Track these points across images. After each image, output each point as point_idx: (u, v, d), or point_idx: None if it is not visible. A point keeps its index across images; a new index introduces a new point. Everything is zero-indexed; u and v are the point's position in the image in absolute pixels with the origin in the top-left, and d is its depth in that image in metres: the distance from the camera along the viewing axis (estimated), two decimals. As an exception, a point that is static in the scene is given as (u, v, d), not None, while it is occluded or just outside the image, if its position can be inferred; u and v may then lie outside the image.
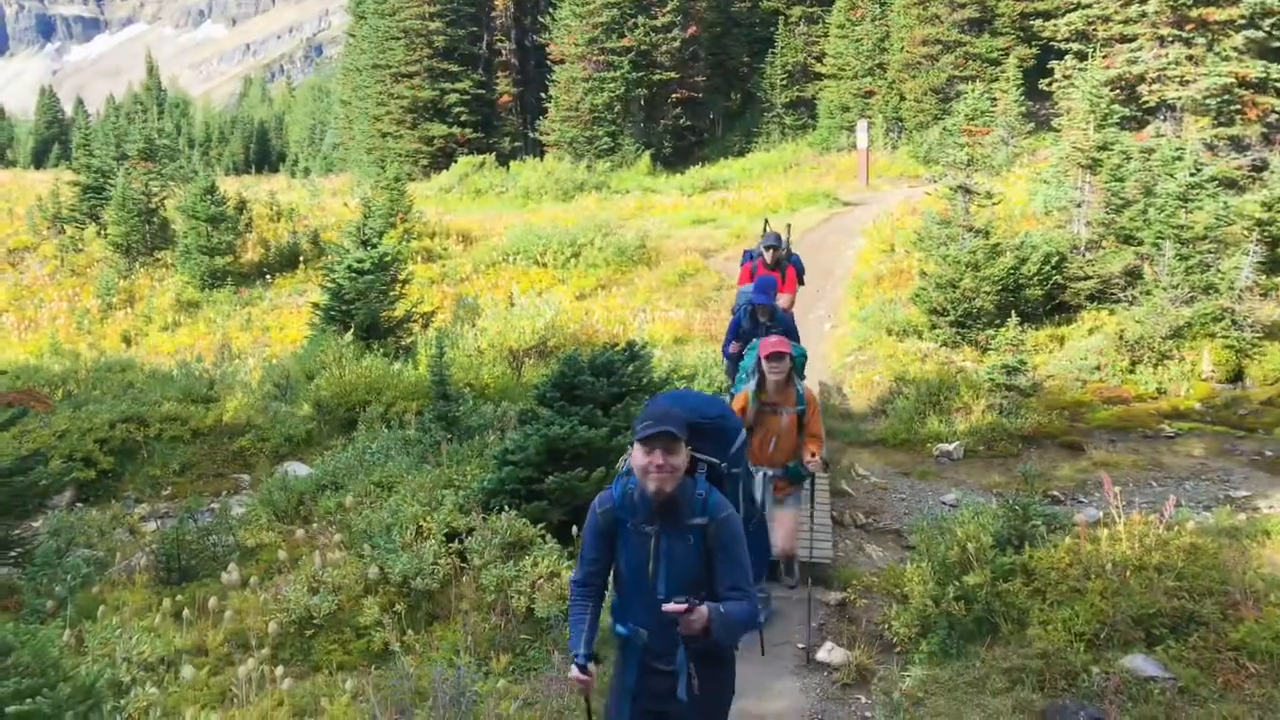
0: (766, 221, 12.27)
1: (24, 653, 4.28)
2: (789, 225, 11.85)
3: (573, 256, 21.62)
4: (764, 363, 6.49)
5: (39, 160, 58.37)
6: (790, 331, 8.38)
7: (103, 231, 24.41)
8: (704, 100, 41.49)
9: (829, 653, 6.50)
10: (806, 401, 6.63)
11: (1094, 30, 27.03)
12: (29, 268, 24.21)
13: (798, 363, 6.91)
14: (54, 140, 64.17)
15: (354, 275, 15.15)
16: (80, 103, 70.58)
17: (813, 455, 6.57)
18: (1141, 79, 25.40)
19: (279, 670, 5.77)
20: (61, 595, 7.05)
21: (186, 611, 6.63)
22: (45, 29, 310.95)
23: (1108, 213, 15.63)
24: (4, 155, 57.98)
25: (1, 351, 18.33)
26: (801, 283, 10.38)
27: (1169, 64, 24.58)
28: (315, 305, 16.00)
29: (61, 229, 25.34)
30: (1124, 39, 26.23)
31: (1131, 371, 13.33)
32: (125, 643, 5.94)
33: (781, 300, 9.50)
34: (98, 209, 25.16)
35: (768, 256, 9.94)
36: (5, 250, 24.75)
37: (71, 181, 26.39)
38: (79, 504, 10.85)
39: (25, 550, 7.96)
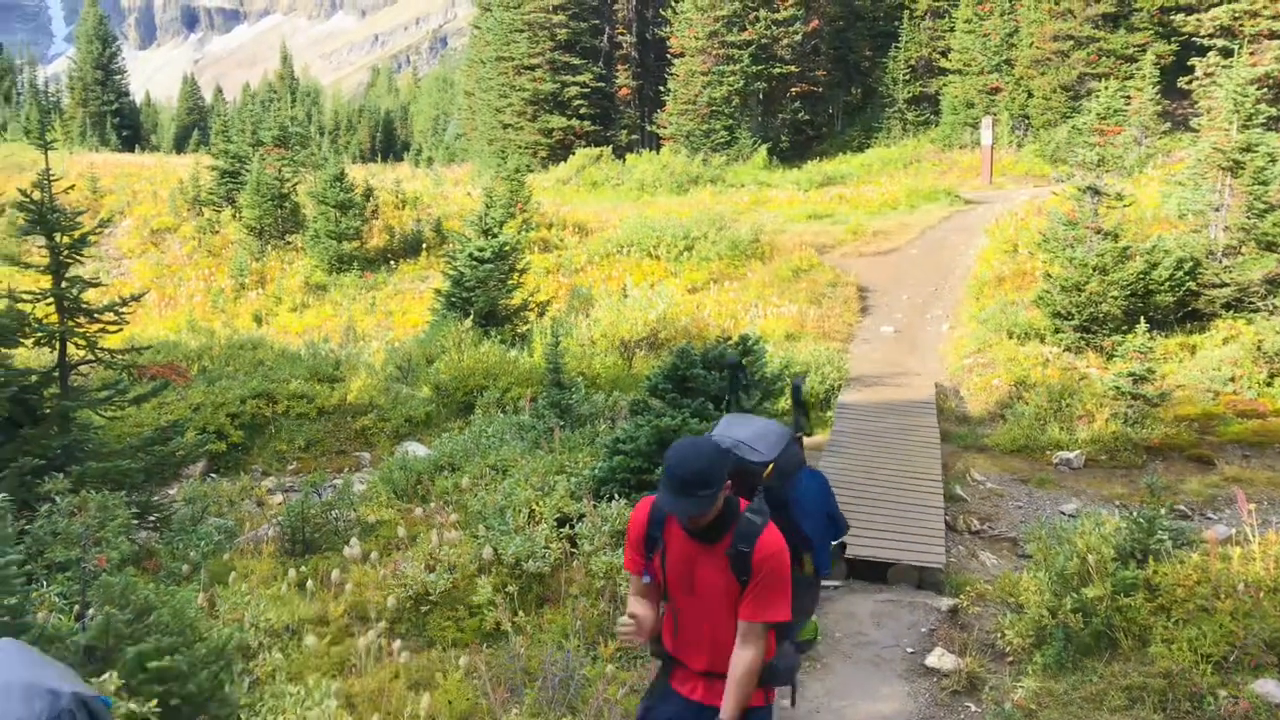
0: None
1: (164, 612, 4.53)
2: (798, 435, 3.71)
3: (686, 250, 21.64)
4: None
5: (180, 145, 61.00)
6: None
7: (238, 215, 25.54)
8: (824, 95, 40.99)
9: (939, 659, 6.40)
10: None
11: (1240, 26, 25.85)
12: (170, 248, 25.47)
13: None
14: (194, 126, 67.04)
15: (475, 263, 15.52)
16: (219, 91, 73.76)
17: None
18: (1291, 77, 24.16)
19: (396, 643, 5.97)
20: (196, 561, 7.44)
21: (310, 583, 6.91)
22: (189, 20, 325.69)
23: (1249, 217, 14.91)
24: (149, 140, 60.88)
25: (144, 327, 19.34)
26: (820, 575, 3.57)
27: (1322, 61, 23.34)
28: (437, 291, 16.45)
29: (200, 211, 26.60)
30: (1273, 35, 25.01)
31: (1269, 384, 12.70)
32: (254, 609, 6.23)
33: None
34: (234, 193, 26.32)
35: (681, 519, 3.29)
36: (149, 231, 26.11)
37: (210, 166, 27.64)
38: (211, 475, 11.41)
39: (164, 516, 8.42)
